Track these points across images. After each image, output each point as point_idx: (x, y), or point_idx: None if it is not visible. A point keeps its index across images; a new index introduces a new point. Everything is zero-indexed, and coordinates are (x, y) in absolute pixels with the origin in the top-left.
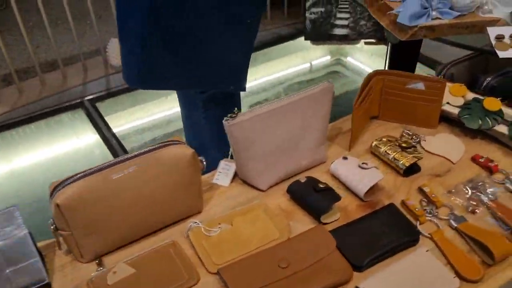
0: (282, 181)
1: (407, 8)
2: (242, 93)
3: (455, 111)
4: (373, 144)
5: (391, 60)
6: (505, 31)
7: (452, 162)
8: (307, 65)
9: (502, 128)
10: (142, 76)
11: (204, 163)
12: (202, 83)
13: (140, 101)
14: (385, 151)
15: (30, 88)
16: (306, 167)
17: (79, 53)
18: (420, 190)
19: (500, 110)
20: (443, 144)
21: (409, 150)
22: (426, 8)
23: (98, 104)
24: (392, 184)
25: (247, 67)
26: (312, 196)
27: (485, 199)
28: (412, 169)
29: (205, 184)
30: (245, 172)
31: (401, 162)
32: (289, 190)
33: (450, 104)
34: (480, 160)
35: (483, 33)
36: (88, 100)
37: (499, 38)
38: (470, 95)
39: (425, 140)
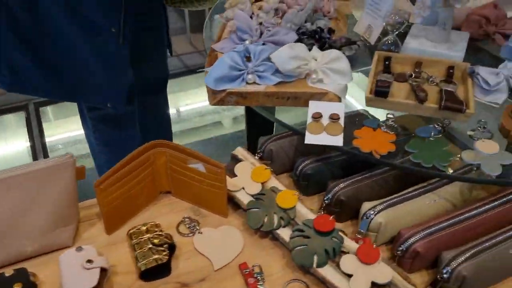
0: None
1: (216, 68)
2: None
3: (248, 200)
4: (130, 232)
5: (247, 113)
6: (328, 108)
7: (214, 268)
8: None
9: (285, 233)
10: (8, 79)
11: None
12: (72, 95)
13: None
14: (134, 245)
15: None
16: (37, 253)
17: None
18: None
19: (293, 209)
20: (218, 241)
21: (160, 248)
22: (241, 70)
23: (42, 109)
24: None
25: (125, 85)
26: None
27: None
28: (159, 272)
29: None
30: None
31: (140, 263)
32: None
33: (245, 191)
34: (244, 270)
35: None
36: (34, 103)
37: (316, 117)
38: (272, 183)
39: (200, 233)
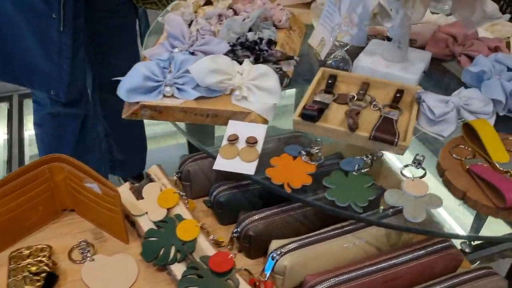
0: None
1: (129, 78)
2: None
3: (149, 227)
4: (11, 255)
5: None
6: (249, 130)
7: None
8: None
9: (179, 269)
10: None
11: None
12: (20, 79)
13: None
14: (11, 270)
15: None
16: None
17: None
18: None
19: (193, 242)
20: (109, 271)
21: (35, 277)
22: (158, 82)
23: (26, 101)
24: None
25: (66, 75)
26: None
27: None
28: None
29: None
30: None
31: None
32: None
33: (148, 217)
34: None
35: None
36: (19, 95)
37: (231, 140)
38: (178, 209)
39: (92, 260)
